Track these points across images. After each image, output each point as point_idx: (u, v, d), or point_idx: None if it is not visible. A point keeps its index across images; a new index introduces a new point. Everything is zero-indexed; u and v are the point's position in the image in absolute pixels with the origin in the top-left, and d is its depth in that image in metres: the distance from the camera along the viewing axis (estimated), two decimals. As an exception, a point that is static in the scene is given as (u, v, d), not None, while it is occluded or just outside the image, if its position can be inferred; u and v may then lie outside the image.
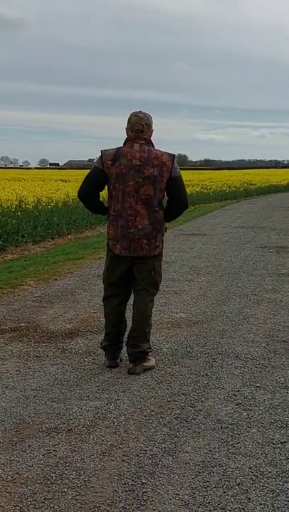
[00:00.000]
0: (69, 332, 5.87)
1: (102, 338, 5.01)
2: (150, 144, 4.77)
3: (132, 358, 4.79)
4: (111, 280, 4.86)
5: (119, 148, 4.71)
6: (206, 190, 28.69)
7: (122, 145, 4.76)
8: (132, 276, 4.84)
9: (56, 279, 8.44)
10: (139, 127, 4.69)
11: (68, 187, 19.30)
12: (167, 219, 4.92)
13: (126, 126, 4.76)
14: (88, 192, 4.88)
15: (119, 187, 4.66)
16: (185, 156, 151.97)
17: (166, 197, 4.87)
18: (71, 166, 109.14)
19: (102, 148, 4.75)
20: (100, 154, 4.74)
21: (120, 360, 4.93)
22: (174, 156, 4.78)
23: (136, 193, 4.64)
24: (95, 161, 4.84)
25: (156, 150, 4.76)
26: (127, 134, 4.75)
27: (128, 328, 4.96)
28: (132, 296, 4.96)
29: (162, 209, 4.81)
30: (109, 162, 4.67)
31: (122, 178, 4.64)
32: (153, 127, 4.83)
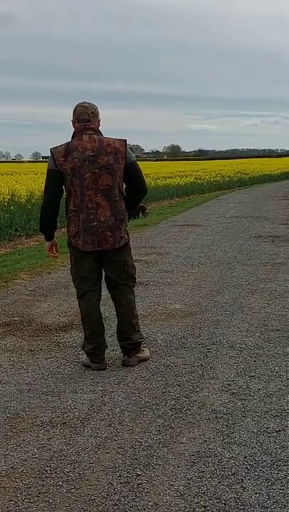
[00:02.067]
0: (63, 325, 5.85)
1: (84, 341, 4.81)
2: (99, 133, 4.64)
3: (126, 350, 4.76)
4: (82, 274, 4.66)
5: (68, 143, 4.58)
6: (199, 181, 28.71)
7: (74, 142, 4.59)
8: (101, 272, 4.72)
9: (50, 273, 8.42)
10: (85, 117, 4.58)
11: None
12: (129, 208, 4.78)
13: (72, 118, 4.65)
14: (53, 198, 4.68)
15: (76, 181, 4.51)
16: (178, 147, 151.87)
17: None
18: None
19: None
20: (50, 155, 4.60)
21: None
22: (125, 140, 4.63)
23: (94, 185, 4.50)
24: (48, 165, 4.66)
25: (107, 137, 4.62)
26: (74, 127, 4.62)
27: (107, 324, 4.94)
28: (107, 293, 4.87)
29: (123, 198, 4.67)
30: (62, 159, 4.52)
31: (78, 172, 4.49)
32: (100, 117, 4.71)
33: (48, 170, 4.66)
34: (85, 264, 4.65)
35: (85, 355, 4.78)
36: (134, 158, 4.72)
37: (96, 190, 4.52)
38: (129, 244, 4.77)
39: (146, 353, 4.86)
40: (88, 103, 4.67)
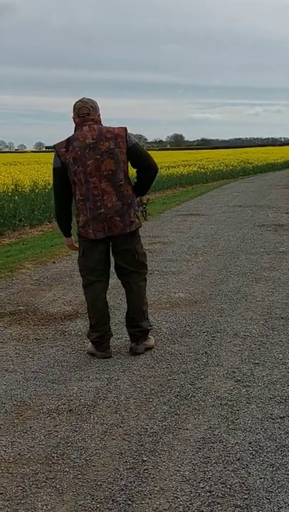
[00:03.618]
0: (68, 314, 5.88)
1: (89, 330, 4.85)
2: (99, 124, 4.67)
3: (134, 337, 4.78)
4: (89, 265, 4.68)
5: (69, 136, 4.64)
6: (203, 170, 28.64)
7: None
8: (108, 263, 4.75)
9: (54, 262, 8.44)
10: (84, 111, 4.64)
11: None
12: (141, 191, 4.84)
13: (72, 115, 4.70)
14: (65, 202, 4.74)
15: (79, 169, 4.53)
16: (181, 136, 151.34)
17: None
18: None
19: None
20: (54, 151, 4.66)
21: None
22: (125, 127, 4.64)
23: (97, 171, 4.52)
24: (53, 163, 4.71)
25: (107, 126, 4.65)
26: (75, 122, 4.67)
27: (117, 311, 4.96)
28: (113, 281, 4.91)
29: (129, 183, 4.66)
30: (63, 149, 4.57)
31: (80, 160, 4.52)
32: (100, 112, 4.74)
33: (54, 169, 4.69)
34: (94, 255, 4.66)
35: (90, 343, 4.81)
36: (136, 141, 4.71)
37: (100, 177, 4.54)
38: (139, 233, 4.79)
39: (152, 341, 4.89)
40: (87, 98, 4.72)
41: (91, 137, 4.54)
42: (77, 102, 4.70)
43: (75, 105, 4.69)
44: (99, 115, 4.72)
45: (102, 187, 4.54)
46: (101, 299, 4.75)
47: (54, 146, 4.66)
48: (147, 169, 4.77)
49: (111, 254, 4.77)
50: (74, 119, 4.68)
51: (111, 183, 4.55)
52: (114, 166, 4.55)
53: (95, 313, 4.76)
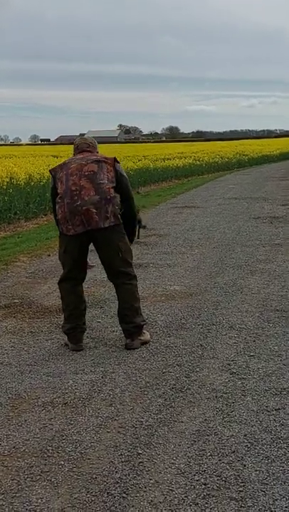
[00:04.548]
0: (62, 308, 5.85)
1: (63, 321, 4.92)
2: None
3: (128, 333, 4.77)
4: (71, 262, 4.77)
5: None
6: (198, 162, 28.60)
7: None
8: (86, 256, 4.84)
9: (49, 255, 8.43)
10: (84, 146, 4.92)
11: (60, 162, 19.14)
12: (130, 222, 4.91)
13: (72, 153, 4.99)
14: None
15: (63, 173, 4.70)
16: (177, 128, 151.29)
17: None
18: (62, 141, 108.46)
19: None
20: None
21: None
22: (114, 157, 4.87)
23: (78, 171, 4.64)
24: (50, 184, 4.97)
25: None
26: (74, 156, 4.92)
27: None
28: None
29: (113, 187, 4.66)
30: (58, 168, 4.80)
31: (65, 166, 4.73)
32: (98, 150, 5.01)
33: (51, 189, 4.88)
34: (74, 252, 4.73)
35: None
36: (124, 173, 4.85)
37: (80, 176, 4.63)
38: (121, 231, 4.75)
39: (147, 335, 4.88)
40: (88, 137, 5.08)
41: (81, 158, 4.76)
42: (78, 139, 5.06)
43: (75, 141, 5.06)
44: (97, 152, 4.95)
45: (82, 184, 4.61)
46: (74, 292, 4.83)
47: (50, 171, 4.92)
48: (128, 200, 4.85)
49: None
50: (74, 154, 4.94)
51: (90, 180, 4.61)
52: (97, 168, 4.65)
53: (67, 306, 4.86)
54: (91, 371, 4.27)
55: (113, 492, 2.82)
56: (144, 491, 2.82)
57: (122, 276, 4.77)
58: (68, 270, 4.81)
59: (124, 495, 2.80)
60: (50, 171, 4.91)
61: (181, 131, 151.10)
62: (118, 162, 4.81)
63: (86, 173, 4.62)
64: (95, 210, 4.57)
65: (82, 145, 4.92)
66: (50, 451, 3.20)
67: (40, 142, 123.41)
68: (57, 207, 4.72)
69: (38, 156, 26.26)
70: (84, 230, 4.61)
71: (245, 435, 3.31)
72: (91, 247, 4.85)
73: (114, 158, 4.83)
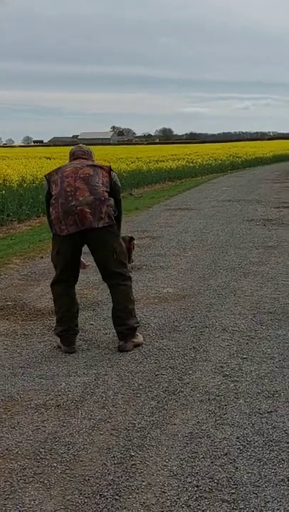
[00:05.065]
0: (54, 311, 5.85)
1: (55, 323, 4.93)
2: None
3: (121, 335, 4.78)
4: (63, 263, 4.77)
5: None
6: (191, 164, 28.63)
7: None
8: (79, 258, 4.85)
9: (42, 257, 8.42)
10: (79, 153, 4.98)
11: (53, 164, 19.15)
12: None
13: (68, 160, 5.04)
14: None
15: (57, 176, 4.74)
16: (170, 130, 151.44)
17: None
18: (55, 143, 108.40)
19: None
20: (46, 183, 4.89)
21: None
22: (109, 166, 4.97)
23: (74, 174, 4.68)
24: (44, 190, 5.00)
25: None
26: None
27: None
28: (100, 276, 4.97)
29: (107, 190, 4.70)
30: (53, 172, 4.84)
31: (61, 170, 4.78)
32: (94, 158, 5.06)
33: (46, 193, 4.88)
34: (68, 251, 4.72)
35: None
36: (118, 182, 4.90)
37: (75, 178, 4.67)
38: (116, 231, 4.78)
39: (140, 338, 4.88)
40: (84, 145, 5.13)
41: (77, 163, 4.81)
42: (74, 147, 5.14)
43: (71, 150, 5.09)
44: (93, 160, 5.00)
45: (76, 185, 4.64)
46: (66, 294, 4.83)
47: (45, 176, 4.95)
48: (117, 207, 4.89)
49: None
50: (69, 161, 4.99)
51: (85, 182, 4.65)
52: (93, 172, 4.70)
53: (59, 309, 4.85)
54: (84, 373, 4.28)
55: (106, 494, 2.83)
56: (137, 493, 2.83)
57: (116, 277, 4.77)
58: (60, 271, 4.81)
59: (116, 497, 2.80)
60: (45, 175, 4.93)
61: (175, 133, 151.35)
62: (113, 171, 4.88)
63: (81, 176, 4.65)
64: (89, 210, 4.58)
65: (78, 152, 4.98)
66: (43, 453, 3.20)
67: (33, 144, 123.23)
68: (51, 208, 4.73)
69: (31, 157, 26.23)
70: (77, 230, 4.62)
71: (237, 437, 3.33)
72: (85, 249, 4.85)
73: (110, 166, 4.91)
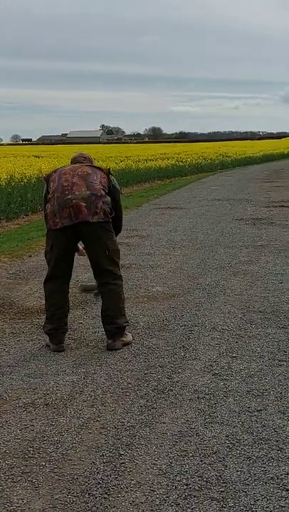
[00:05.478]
0: (44, 308, 5.82)
1: (45, 321, 4.90)
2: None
3: (110, 334, 4.75)
4: (57, 259, 4.74)
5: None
6: (181, 163, 28.62)
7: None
8: (73, 257, 4.86)
9: (30, 256, 8.39)
10: (80, 159, 5.06)
11: (41, 163, 19.10)
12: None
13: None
14: None
15: (56, 174, 4.79)
16: (160, 129, 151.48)
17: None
18: (44, 141, 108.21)
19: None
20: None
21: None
22: (109, 169, 5.03)
23: (72, 171, 4.73)
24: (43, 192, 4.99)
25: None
26: None
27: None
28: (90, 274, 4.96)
29: (104, 189, 4.70)
30: (52, 172, 4.90)
31: (59, 169, 4.86)
32: (94, 164, 5.11)
33: (44, 195, 4.88)
34: (61, 246, 4.70)
35: None
36: (117, 185, 4.92)
37: (73, 175, 4.70)
38: (110, 229, 4.77)
39: (129, 337, 4.86)
40: (86, 153, 5.25)
41: (77, 164, 4.91)
42: (76, 154, 5.26)
43: (72, 156, 5.21)
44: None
45: (74, 181, 4.66)
46: (59, 292, 4.80)
47: (43, 177, 5.08)
48: (116, 219, 4.89)
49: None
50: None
51: (83, 179, 4.67)
52: (91, 171, 4.75)
53: (50, 306, 4.82)
54: (73, 372, 4.25)
55: (95, 493, 2.81)
56: (126, 492, 2.81)
57: (107, 275, 4.75)
58: (53, 266, 4.77)
59: (105, 495, 2.79)
60: (43, 177, 5.02)
61: (164, 132, 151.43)
62: (111, 174, 4.90)
63: (79, 173, 4.70)
64: (84, 204, 4.59)
65: (79, 158, 5.09)
66: (32, 452, 3.18)
67: (21, 142, 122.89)
68: (48, 204, 4.73)
69: (20, 156, 26.16)
70: (71, 223, 4.59)
71: (226, 436, 3.32)
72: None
73: (109, 169, 4.97)
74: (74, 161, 5.06)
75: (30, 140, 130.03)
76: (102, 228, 4.67)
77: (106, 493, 2.80)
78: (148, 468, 3.01)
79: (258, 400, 3.77)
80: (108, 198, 4.72)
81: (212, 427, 3.43)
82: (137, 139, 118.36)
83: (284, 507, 2.69)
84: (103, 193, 4.68)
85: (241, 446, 3.21)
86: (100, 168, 4.89)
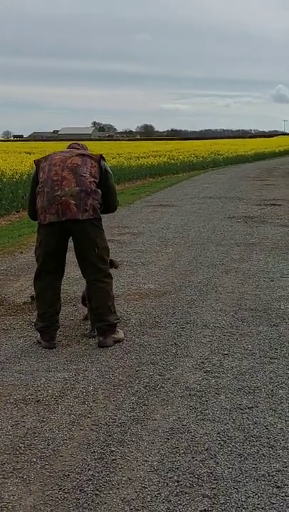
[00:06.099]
0: (36, 305, 5.81)
1: (36, 318, 4.87)
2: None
3: (101, 331, 4.74)
4: (46, 255, 4.71)
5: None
6: (173, 161, 28.59)
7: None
8: (65, 254, 4.81)
9: (22, 252, 8.37)
10: (74, 145, 5.10)
11: (33, 159, 19.00)
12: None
13: None
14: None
15: (46, 163, 4.73)
16: (151, 127, 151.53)
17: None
18: (35, 138, 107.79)
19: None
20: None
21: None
22: (100, 155, 4.97)
23: (62, 163, 4.67)
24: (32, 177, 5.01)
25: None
26: None
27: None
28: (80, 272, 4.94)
29: (94, 181, 4.67)
30: (42, 159, 4.85)
31: (50, 157, 4.82)
32: (88, 152, 5.04)
33: (32, 178, 4.89)
34: (50, 245, 4.68)
35: None
36: (109, 169, 4.89)
37: (63, 167, 4.65)
38: (100, 226, 4.75)
39: (120, 334, 4.85)
40: (81, 142, 5.26)
41: (65, 151, 4.88)
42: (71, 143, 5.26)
43: (68, 145, 5.19)
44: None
45: (64, 175, 4.62)
46: (50, 289, 4.78)
47: (34, 161, 4.97)
48: (110, 194, 4.88)
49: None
50: None
51: (73, 172, 4.62)
52: (81, 161, 4.69)
53: (42, 304, 4.79)
54: (64, 369, 4.24)
55: (86, 489, 2.80)
56: (117, 488, 2.81)
57: (96, 272, 4.73)
58: (42, 262, 4.74)
59: (96, 492, 2.79)
60: (34, 160, 4.95)
61: (156, 129, 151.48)
62: (104, 160, 4.84)
63: (69, 165, 4.64)
64: (73, 202, 4.55)
65: (73, 145, 5.11)
66: (23, 448, 3.17)
67: (12, 138, 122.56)
68: (38, 197, 4.70)
69: (11, 152, 26.00)
70: (57, 220, 4.57)
71: (218, 433, 3.32)
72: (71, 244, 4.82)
73: (101, 155, 4.88)
74: (68, 147, 5.05)
75: (22, 136, 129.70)
76: (91, 225, 4.65)
77: (97, 490, 2.80)
78: (139, 465, 3.01)
79: (250, 397, 3.78)
80: (99, 193, 4.69)
81: (203, 424, 3.43)
82: (128, 136, 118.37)
83: (275, 504, 2.70)
84: (93, 187, 4.65)
85: (233, 443, 3.21)
86: (90, 156, 4.79)
